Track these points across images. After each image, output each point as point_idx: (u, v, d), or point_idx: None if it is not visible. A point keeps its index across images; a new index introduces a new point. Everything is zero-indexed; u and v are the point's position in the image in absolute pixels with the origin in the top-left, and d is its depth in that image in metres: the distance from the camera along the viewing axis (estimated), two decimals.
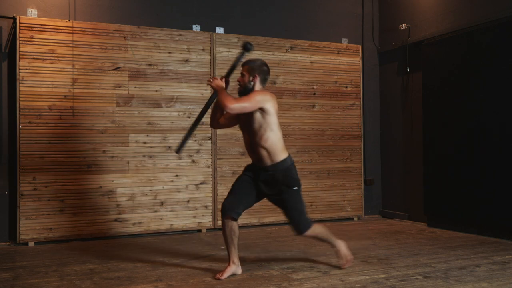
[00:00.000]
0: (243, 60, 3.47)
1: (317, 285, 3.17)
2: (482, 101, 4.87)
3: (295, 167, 3.40)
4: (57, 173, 4.74)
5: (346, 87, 6.03)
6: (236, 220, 3.34)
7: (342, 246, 3.55)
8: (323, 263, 3.77)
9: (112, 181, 4.94)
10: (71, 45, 4.83)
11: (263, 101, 3.22)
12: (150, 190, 5.09)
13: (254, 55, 5.55)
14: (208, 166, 5.33)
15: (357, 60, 6.13)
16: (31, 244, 4.62)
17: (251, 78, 3.37)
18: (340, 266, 3.57)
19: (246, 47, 3.41)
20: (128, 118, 5.02)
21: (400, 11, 6.08)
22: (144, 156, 5.07)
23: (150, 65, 5.13)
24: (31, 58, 4.68)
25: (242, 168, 5.49)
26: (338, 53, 6.02)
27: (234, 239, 3.34)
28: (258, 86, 3.38)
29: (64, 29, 4.81)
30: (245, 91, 3.36)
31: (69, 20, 4.86)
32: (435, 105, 5.40)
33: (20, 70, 4.64)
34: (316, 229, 3.43)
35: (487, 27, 4.85)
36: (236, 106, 3.15)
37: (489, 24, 4.85)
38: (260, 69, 3.40)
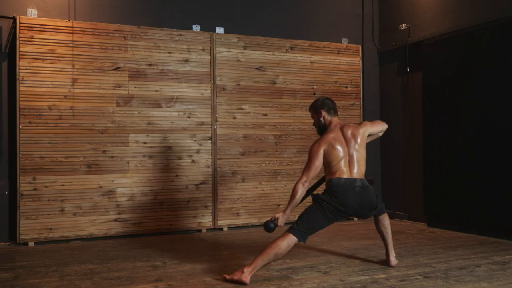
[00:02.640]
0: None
1: (317, 285, 3.17)
2: (482, 101, 4.87)
3: (333, 190, 3.39)
4: (57, 173, 4.74)
5: (346, 87, 6.03)
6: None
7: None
8: (323, 263, 3.77)
9: (112, 181, 4.94)
10: (71, 45, 4.83)
11: (318, 154, 3.44)
12: (150, 190, 5.09)
13: (254, 55, 5.57)
14: (208, 166, 5.32)
15: (357, 60, 6.13)
16: (31, 244, 4.62)
17: (319, 116, 3.64)
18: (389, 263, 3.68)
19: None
20: (128, 118, 5.02)
21: (400, 11, 6.08)
22: (144, 156, 5.07)
23: (150, 65, 5.13)
24: (31, 58, 4.68)
25: (242, 168, 5.56)
26: (338, 53, 6.02)
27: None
28: (327, 118, 3.62)
29: (64, 29, 4.81)
30: (321, 128, 3.66)
31: (69, 20, 4.86)
32: (435, 105, 5.40)
33: (20, 70, 4.64)
34: None
35: (487, 27, 4.85)
36: (306, 184, 3.41)
37: (489, 24, 4.85)
38: (321, 105, 3.65)
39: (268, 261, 3.27)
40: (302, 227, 3.33)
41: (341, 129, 3.54)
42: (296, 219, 3.41)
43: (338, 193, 3.35)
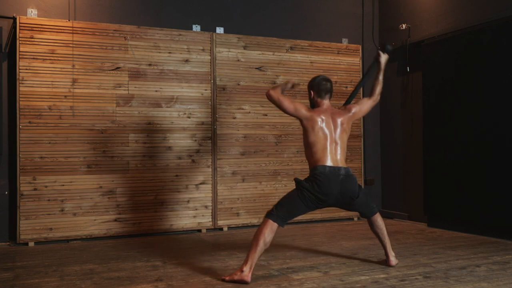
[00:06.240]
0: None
1: (317, 285, 3.18)
2: (482, 101, 4.87)
3: (316, 179, 3.38)
4: (57, 173, 4.74)
5: (346, 87, 6.03)
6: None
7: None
8: (323, 263, 3.77)
9: (112, 181, 4.94)
10: (71, 45, 4.83)
11: (302, 108, 3.52)
12: (150, 190, 5.09)
13: (254, 55, 5.57)
14: (208, 166, 5.32)
15: (357, 60, 6.13)
16: (31, 244, 4.62)
17: (309, 94, 3.68)
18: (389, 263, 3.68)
19: (385, 49, 3.88)
20: (128, 118, 5.02)
21: (400, 11, 6.08)
22: (144, 156, 5.07)
23: (150, 65, 5.13)
24: (31, 58, 4.68)
25: (242, 168, 5.56)
26: (338, 53, 6.02)
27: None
28: (316, 98, 3.64)
29: (64, 29, 4.81)
30: (311, 106, 3.70)
31: (69, 20, 4.86)
32: (435, 105, 5.40)
33: (20, 70, 4.64)
34: None
35: (487, 27, 4.85)
36: (269, 93, 3.55)
37: (489, 24, 4.84)
38: (312, 84, 3.67)
39: (260, 252, 3.30)
40: (281, 212, 3.36)
41: (332, 114, 3.55)
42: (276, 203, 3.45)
43: (322, 182, 3.35)
